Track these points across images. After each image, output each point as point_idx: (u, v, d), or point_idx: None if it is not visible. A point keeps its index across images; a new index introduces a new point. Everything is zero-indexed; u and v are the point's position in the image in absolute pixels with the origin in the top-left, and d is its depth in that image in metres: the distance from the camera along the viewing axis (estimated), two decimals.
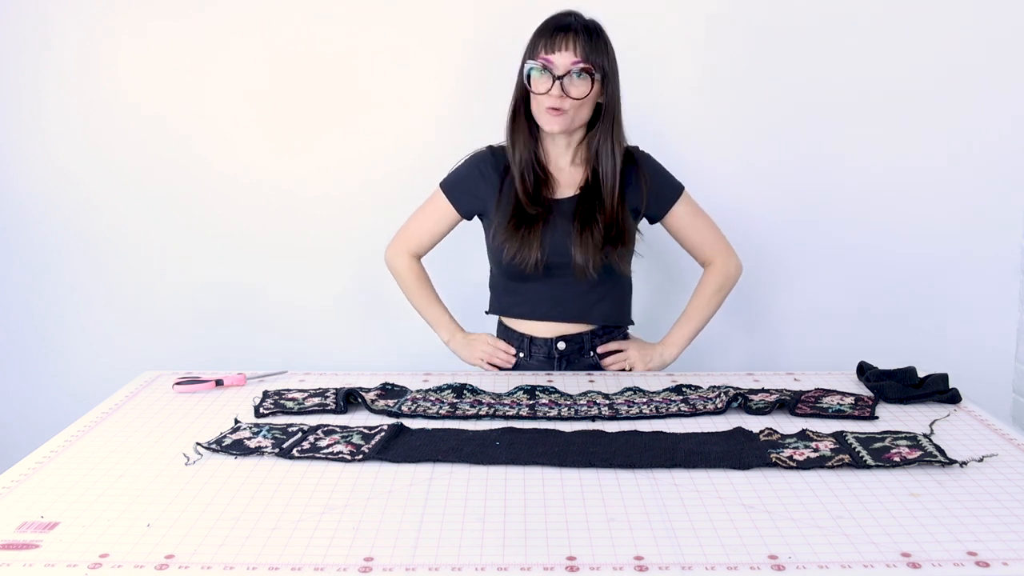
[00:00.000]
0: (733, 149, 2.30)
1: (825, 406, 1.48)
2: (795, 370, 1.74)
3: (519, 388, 1.59)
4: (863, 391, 1.59)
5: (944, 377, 1.55)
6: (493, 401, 1.53)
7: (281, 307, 2.39)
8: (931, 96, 2.26)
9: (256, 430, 1.39)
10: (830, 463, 1.24)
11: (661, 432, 1.37)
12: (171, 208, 2.35)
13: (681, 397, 1.55)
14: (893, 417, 1.45)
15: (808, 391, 1.57)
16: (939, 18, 2.23)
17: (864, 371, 1.65)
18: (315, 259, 2.37)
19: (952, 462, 1.23)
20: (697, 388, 1.59)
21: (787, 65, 2.26)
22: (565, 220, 1.82)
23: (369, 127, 2.30)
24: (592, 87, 1.75)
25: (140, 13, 2.26)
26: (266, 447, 1.32)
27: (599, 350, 1.89)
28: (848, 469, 1.23)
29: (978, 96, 2.26)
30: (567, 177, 1.87)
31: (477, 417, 1.46)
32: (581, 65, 1.72)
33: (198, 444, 1.34)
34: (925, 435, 1.33)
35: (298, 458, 1.29)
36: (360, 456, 1.28)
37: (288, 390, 1.60)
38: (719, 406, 1.47)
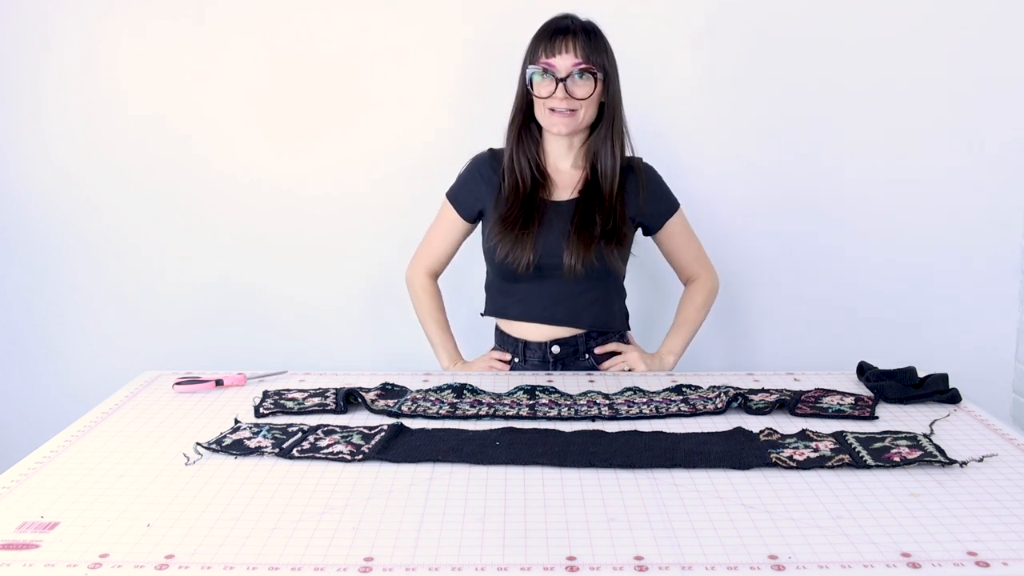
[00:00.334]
0: (733, 149, 2.30)
1: (825, 406, 1.48)
2: (795, 370, 1.74)
3: (519, 388, 1.59)
4: (863, 391, 1.58)
5: (944, 377, 1.55)
6: (493, 401, 1.53)
7: (281, 307, 2.39)
8: (931, 96, 2.26)
9: (256, 430, 1.39)
10: (830, 463, 1.24)
11: (661, 432, 1.37)
12: (171, 208, 2.35)
13: (681, 397, 1.55)
14: (893, 417, 1.45)
15: (808, 391, 1.57)
16: (939, 17, 2.23)
17: (864, 371, 1.65)
18: (315, 259, 2.37)
19: (952, 462, 1.23)
20: (697, 388, 1.59)
21: (787, 65, 2.26)
22: (562, 222, 1.83)
23: (369, 127, 2.30)
24: (595, 87, 1.77)
25: (140, 13, 2.26)
26: (266, 447, 1.32)
27: (598, 351, 1.89)
28: (848, 469, 1.23)
29: (978, 96, 2.25)
30: (565, 179, 1.88)
31: (477, 417, 1.46)
32: (582, 66, 1.74)
33: (198, 444, 1.34)
34: (925, 435, 1.33)
35: (298, 458, 1.29)
36: (360, 456, 1.28)
37: (288, 390, 1.60)
38: (719, 406, 1.47)
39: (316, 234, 2.35)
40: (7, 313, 2.41)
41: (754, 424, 1.41)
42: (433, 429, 1.40)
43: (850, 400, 1.51)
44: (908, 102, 2.27)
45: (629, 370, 1.86)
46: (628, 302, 1.98)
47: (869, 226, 2.33)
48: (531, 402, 1.52)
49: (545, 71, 1.76)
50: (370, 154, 2.32)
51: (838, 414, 1.45)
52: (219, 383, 1.65)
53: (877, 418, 1.44)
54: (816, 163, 2.30)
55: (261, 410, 1.49)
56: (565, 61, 1.75)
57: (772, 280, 2.36)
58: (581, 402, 1.52)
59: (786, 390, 1.57)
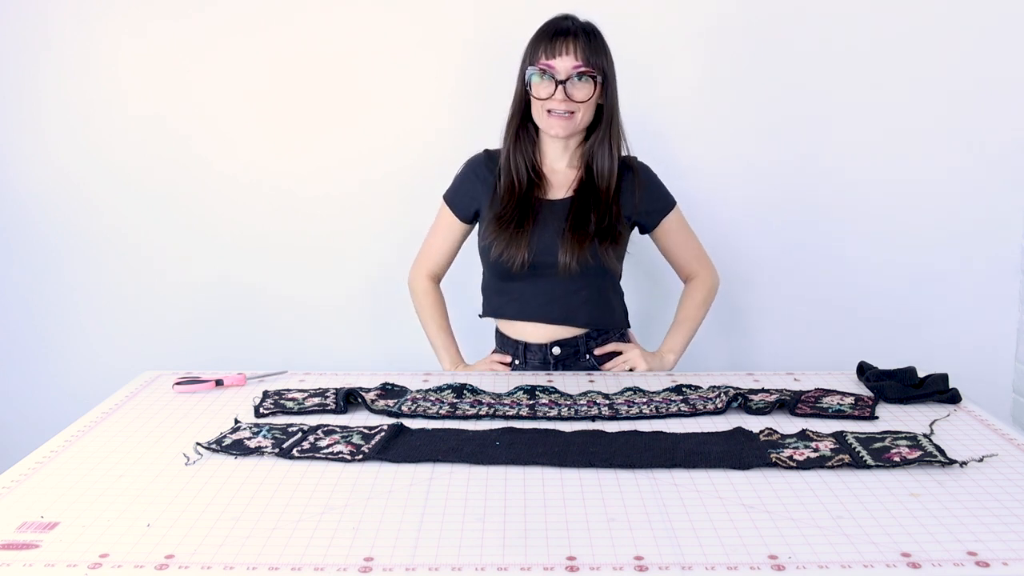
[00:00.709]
0: (733, 149, 2.30)
1: (825, 406, 1.48)
2: (795, 370, 1.74)
3: (519, 388, 1.59)
4: (863, 391, 1.58)
5: (944, 377, 1.55)
6: (493, 401, 1.53)
7: (281, 307, 2.39)
8: (931, 96, 2.26)
9: (256, 430, 1.39)
10: (830, 463, 1.24)
11: (661, 432, 1.37)
12: (171, 208, 2.35)
13: (681, 397, 1.55)
14: (893, 417, 1.45)
15: (808, 391, 1.57)
16: (939, 17, 2.23)
17: (864, 371, 1.65)
18: (315, 259, 2.37)
19: (952, 462, 1.23)
20: (697, 388, 1.59)
21: (787, 65, 2.26)
22: (557, 220, 1.83)
23: (369, 127, 2.30)
24: (595, 90, 1.77)
25: (140, 13, 2.26)
26: (266, 447, 1.32)
27: (598, 352, 1.89)
28: (848, 469, 1.23)
29: (978, 96, 2.25)
30: (561, 178, 1.88)
31: (477, 417, 1.46)
32: (582, 69, 1.74)
33: (198, 444, 1.34)
34: (925, 435, 1.33)
35: (298, 458, 1.29)
36: (360, 456, 1.28)
37: (288, 390, 1.60)
38: (719, 406, 1.47)
39: (316, 234, 2.35)
40: (7, 313, 2.41)
41: (754, 424, 1.41)
42: (433, 429, 1.40)
43: (850, 400, 1.51)
44: (908, 102, 2.27)
45: (631, 369, 1.86)
46: (627, 301, 1.98)
47: (869, 226, 2.33)
48: (531, 402, 1.52)
49: (544, 72, 1.76)
50: (370, 154, 2.32)
51: (838, 414, 1.45)
52: (219, 383, 1.65)
53: (877, 418, 1.44)
54: (816, 163, 2.30)
55: (261, 410, 1.49)
56: (565, 63, 1.75)
57: (772, 280, 2.36)
58: (581, 402, 1.52)
59: (786, 390, 1.57)
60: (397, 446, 1.32)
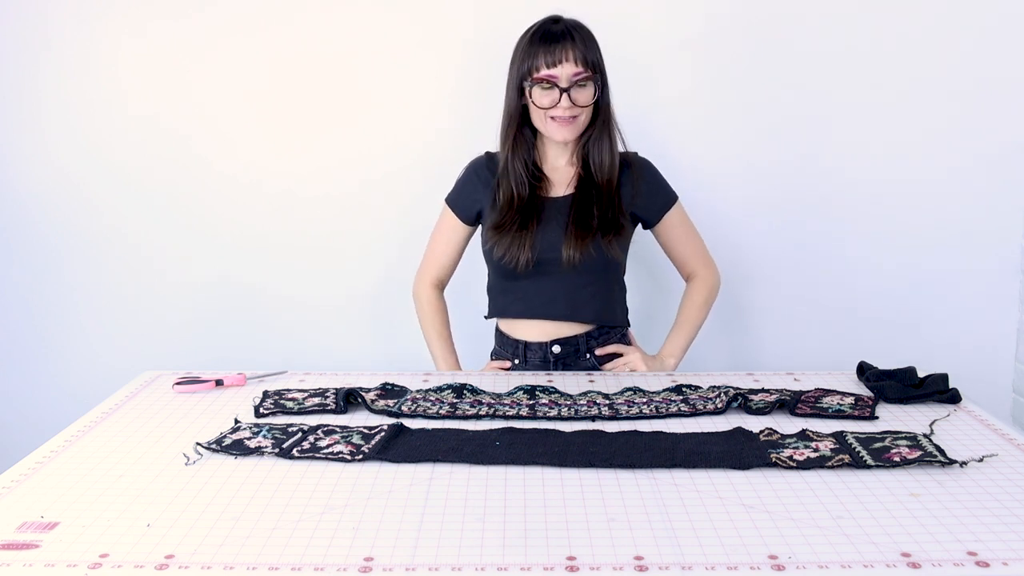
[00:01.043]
0: (732, 149, 2.30)
1: (825, 406, 1.48)
2: (795, 370, 1.74)
3: (519, 388, 1.59)
4: (863, 391, 1.58)
5: (944, 377, 1.55)
6: (493, 401, 1.53)
7: (281, 307, 2.39)
8: (931, 96, 2.26)
9: (256, 430, 1.39)
10: (830, 463, 1.24)
11: (661, 432, 1.37)
12: (171, 208, 2.35)
13: (681, 397, 1.55)
14: (893, 417, 1.45)
15: (808, 391, 1.56)
16: (939, 18, 2.23)
17: (864, 371, 1.65)
18: (315, 259, 2.37)
19: (952, 462, 1.23)
20: (697, 388, 1.59)
21: (787, 66, 2.26)
22: (559, 217, 1.83)
23: (369, 127, 2.30)
24: (595, 90, 1.77)
25: (140, 13, 2.26)
26: (266, 447, 1.32)
27: (599, 352, 1.89)
28: (848, 469, 1.23)
29: (978, 96, 2.25)
30: (561, 176, 1.88)
31: (477, 417, 1.46)
32: (584, 74, 1.75)
33: (198, 444, 1.34)
34: (925, 435, 1.33)
35: (298, 458, 1.29)
36: (360, 456, 1.28)
37: (288, 390, 1.60)
38: (719, 406, 1.47)
39: (316, 234, 2.35)
40: (7, 313, 2.41)
41: (754, 424, 1.41)
42: (433, 429, 1.40)
43: (850, 400, 1.51)
44: (908, 102, 2.27)
45: (631, 371, 1.86)
46: (628, 300, 1.98)
47: (869, 226, 2.33)
48: (531, 402, 1.52)
49: (546, 82, 1.75)
50: (370, 154, 2.32)
51: (838, 414, 1.45)
52: (219, 383, 1.65)
53: (877, 418, 1.44)
54: (816, 163, 2.30)
55: (261, 410, 1.49)
56: (566, 70, 1.75)
57: (772, 280, 2.36)
58: (581, 402, 1.52)
59: (786, 390, 1.57)
60: (397, 446, 1.32)
